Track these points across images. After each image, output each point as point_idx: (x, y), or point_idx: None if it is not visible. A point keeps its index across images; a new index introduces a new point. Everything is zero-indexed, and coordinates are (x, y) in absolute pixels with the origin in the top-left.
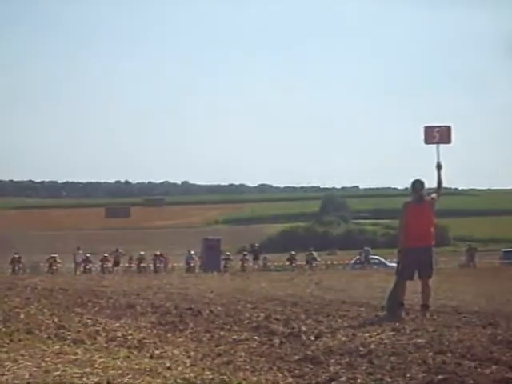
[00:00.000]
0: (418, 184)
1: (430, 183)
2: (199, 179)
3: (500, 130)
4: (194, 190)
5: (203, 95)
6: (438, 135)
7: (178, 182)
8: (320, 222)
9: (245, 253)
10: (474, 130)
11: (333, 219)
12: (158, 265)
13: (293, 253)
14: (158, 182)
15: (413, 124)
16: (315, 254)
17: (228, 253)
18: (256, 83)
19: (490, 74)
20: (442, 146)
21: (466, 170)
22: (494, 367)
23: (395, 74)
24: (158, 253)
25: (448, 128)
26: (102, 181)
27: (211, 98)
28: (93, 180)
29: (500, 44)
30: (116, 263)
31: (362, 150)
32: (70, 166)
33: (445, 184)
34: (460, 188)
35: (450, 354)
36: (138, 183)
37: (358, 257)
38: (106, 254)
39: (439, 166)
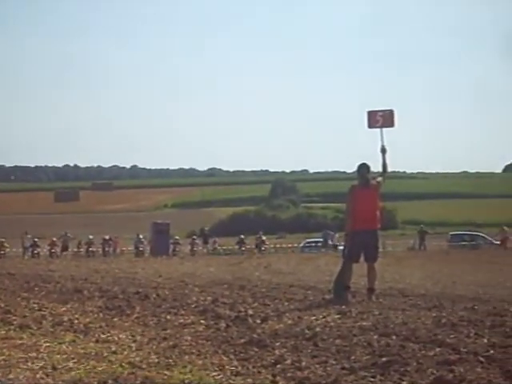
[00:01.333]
0: (363, 168)
1: (377, 167)
2: (148, 163)
3: (450, 115)
4: (143, 174)
5: (152, 79)
6: (381, 119)
7: (127, 166)
8: (269, 206)
9: (194, 237)
10: (424, 114)
11: (282, 203)
12: (106, 249)
13: (242, 236)
14: (106, 166)
15: (362, 108)
16: (264, 237)
17: (177, 237)
18: (204, 66)
19: (440, 54)
20: (386, 129)
21: (414, 153)
22: (437, 349)
23: (343, 57)
24: (107, 237)
25: (391, 112)
26: (51, 165)
27: (161, 82)
28: (41, 164)
29: (447, 23)
30: (64, 247)
31: (311, 133)
32: (18, 149)
33: (390, 168)
34: (408, 171)
35: (394, 337)
36: (86, 167)
37: (317, 239)
38: (54, 239)
39: (383, 150)
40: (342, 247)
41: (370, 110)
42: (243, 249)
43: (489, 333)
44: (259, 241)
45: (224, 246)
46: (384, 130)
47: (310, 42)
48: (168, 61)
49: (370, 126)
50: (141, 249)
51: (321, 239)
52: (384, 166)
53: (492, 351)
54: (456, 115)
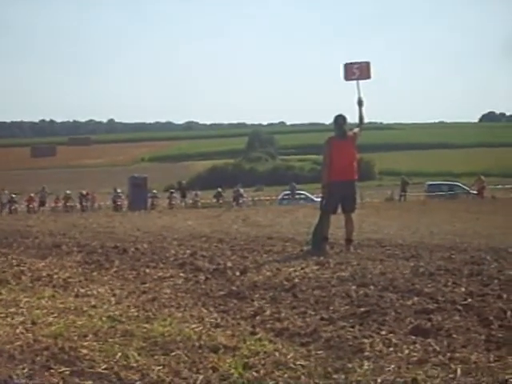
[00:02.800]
0: (340, 119)
1: (354, 118)
2: (125, 117)
3: (427, 67)
4: (120, 128)
5: (130, 34)
6: (357, 71)
7: (104, 120)
8: (247, 159)
9: (172, 190)
10: (401, 66)
11: (260, 155)
12: (84, 204)
13: (219, 190)
14: (83, 120)
15: (340, 59)
16: (242, 190)
17: (155, 191)
18: (184, 17)
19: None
20: (363, 81)
21: (390, 104)
22: (415, 298)
23: (323, 13)
24: (85, 192)
25: (367, 64)
26: (27, 120)
27: (136, 37)
28: (17, 119)
29: None
30: (42, 203)
31: (289, 85)
32: None
33: (367, 119)
34: (385, 122)
35: (372, 287)
36: (63, 122)
37: (287, 192)
38: (31, 194)
39: (360, 102)
40: (319, 199)
41: (347, 62)
42: (221, 202)
43: (466, 281)
44: (237, 194)
45: (202, 199)
46: (360, 82)
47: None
48: (146, 13)
49: (347, 78)
50: (119, 203)
51: (289, 192)
52: (361, 117)
53: (469, 300)
54: (433, 67)
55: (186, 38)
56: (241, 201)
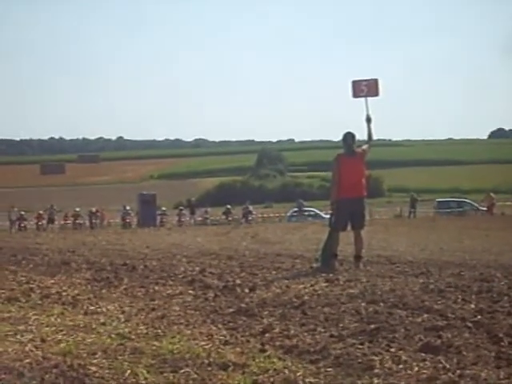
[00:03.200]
0: (349, 136)
1: (362, 135)
2: (134, 135)
3: (433, 83)
4: (129, 145)
5: (137, 50)
6: (365, 88)
7: (113, 137)
8: (256, 176)
9: (181, 207)
10: (410, 82)
11: (269, 172)
12: (93, 221)
13: (228, 207)
14: (92, 138)
15: (349, 77)
16: (251, 207)
17: (164, 208)
18: (191, 35)
19: (426, 26)
20: (371, 99)
21: (400, 121)
22: (425, 315)
23: (331, 30)
24: (94, 209)
25: (375, 81)
26: (36, 138)
27: (144, 53)
28: (27, 137)
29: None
30: (50, 220)
31: (298, 102)
32: (2, 123)
33: (375, 136)
34: (394, 139)
35: (382, 304)
36: (72, 140)
37: (295, 209)
38: (40, 212)
39: (369, 119)
40: (328, 216)
41: (355, 79)
42: (230, 219)
43: (476, 298)
44: (246, 211)
45: (211, 216)
46: (369, 99)
47: (297, 13)
48: (153, 29)
49: (355, 95)
50: (128, 220)
51: (296, 208)
52: (369, 134)
53: (479, 316)
54: (441, 84)
55: (194, 57)
56: (250, 218)
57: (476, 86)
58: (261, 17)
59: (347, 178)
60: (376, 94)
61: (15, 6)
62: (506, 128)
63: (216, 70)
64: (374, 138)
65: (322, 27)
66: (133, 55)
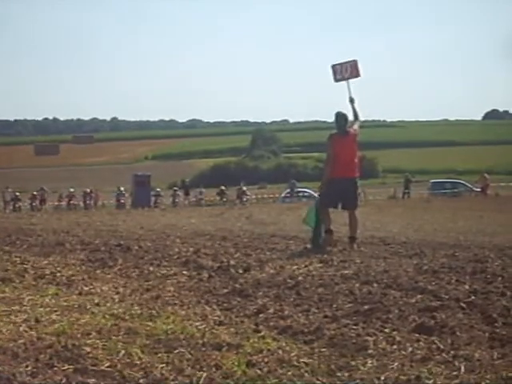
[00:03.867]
0: (341, 117)
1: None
2: (128, 116)
3: (428, 65)
4: (124, 126)
5: (134, 30)
6: (346, 71)
7: (107, 118)
8: (250, 157)
9: (175, 188)
10: (404, 64)
11: (263, 153)
12: (88, 202)
13: (223, 188)
14: (86, 118)
15: (344, 57)
16: (245, 188)
17: (158, 189)
18: (187, 20)
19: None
20: (354, 80)
21: (393, 102)
22: (419, 296)
23: (327, 13)
24: (88, 190)
25: (355, 62)
26: (30, 118)
27: (139, 36)
28: (21, 117)
29: None
30: (42, 201)
31: (292, 83)
32: None
33: (369, 117)
34: (388, 120)
35: (376, 285)
36: (66, 120)
37: (288, 190)
38: (34, 192)
39: (352, 100)
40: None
41: (334, 63)
42: (224, 200)
43: (470, 279)
44: (240, 191)
45: (205, 197)
46: (351, 80)
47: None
48: (149, 15)
49: (336, 79)
50: (122, 201)
51: (289, 189)
52: (355, 114)
53: (473, 297)
54: (436, 65)
55: (189, 38)
56: (244, 199)
57: (470, 68)
58: (256, 3)
59: (340, 157)
60: (357, 75)
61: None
62: (501, 109)
63: (211, 52)
64: (361, 118)
65: (316, 10)
66: (128, 38)
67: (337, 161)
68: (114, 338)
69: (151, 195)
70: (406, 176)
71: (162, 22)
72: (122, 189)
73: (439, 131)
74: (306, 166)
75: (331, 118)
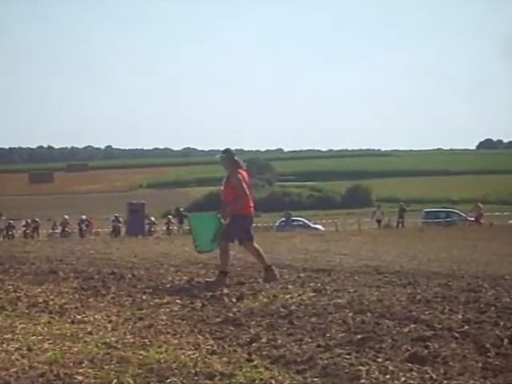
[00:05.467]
0: (231, 152)
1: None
2: (123, 144)
3: (422, 94)
4: (118, 154)
5: (127, 56)
6: None
7: (102, 146)
8: None
9: (169, 216)
10: (398, 93)
11: (257, 182)
12: (84, 229)
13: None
14: (81, 146)
15: (336, 85)
16: None
17: (152, 217)
18: (178, 45)
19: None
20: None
21: (389, 131)
22: (412, 326)
23: (317, 40)
24: (84, 217)
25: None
26: (25, 146)
27: (135, 59)
28: (15, 145)
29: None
30: (35, 229)
31: (287, 111)
32: None
33: (364, 146)
34: (383, 149)
35: (369, 314)
36: (60, 148)
37: (283, 219)
38: (28, 220)
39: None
40: (318, 226)
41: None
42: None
43: (463, 309)
44: None
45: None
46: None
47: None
48: (145, 37)
49: None
50: (117, 229)
51: (284, 218)
52: None
53: (466, 327)
54: (430, 94)
55: (182, 67)
56: None
57: (464, 97)
58: (242, 22)
59: (248, 193)
60: None
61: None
62: (494, 139)
63: (204, 80)
64: (364, 148)
65: (308, 36)
66: (121, 64)
67: (248, 197)
68: (106, 367)
69: (145, 223)
70: (401, 205)
71: (153, 46)
72: (117, 215)
73: (433, 160)
74: (301, 195)
75: (325, 147)
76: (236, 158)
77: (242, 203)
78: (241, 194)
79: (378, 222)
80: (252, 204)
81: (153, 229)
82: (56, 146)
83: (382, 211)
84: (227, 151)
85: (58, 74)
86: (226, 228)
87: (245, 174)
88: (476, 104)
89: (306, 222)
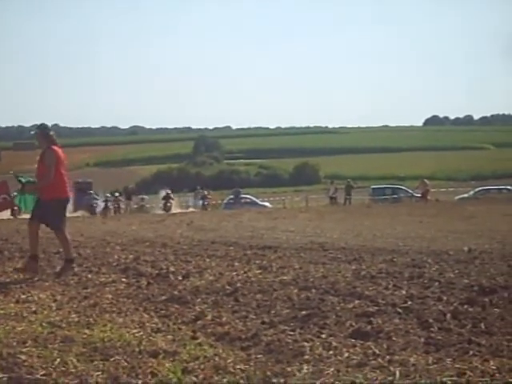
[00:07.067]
0: (48, 128)
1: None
2: (70, 122)
3: (368, 71)
4: (65, 132)
5: (72, 35)
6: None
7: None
8: (193, 163)
9: (116, 194)
10: (346, 71)
11: (205, 160)
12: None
13: (168, 192)
14: (27, 125)
15: (285, 62)
16: (206, 192)
17: (108, 194)
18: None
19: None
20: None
21: (335, 108)
22: (356, 302)
23: (267, 18)
24: None
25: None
26: None
27: (79, 38)
28: None
29: None
30: None
31: (235, 89)
32: None
33: (313, 123)
34: (330, 126)
35: (314, 290)
36: (7, 127)
37: (231, 196)
38: None
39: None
40: (265, 203)
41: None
42: (169, 204)
43: (407, 284)
44: (202, 195)
45: (147, 204)
46: None
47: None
48: (86, 14)
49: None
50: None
51: (232, 196)
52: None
53: (410, 302)
54: (377, 71)
55: (130, 44)
56: (206, 202)
57: (411, 74)
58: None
59: (64, 174)
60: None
61: None
62: (441, 115)
63: (153, 57)
64: (311, 125)
65: (262, 14)
66: (68, 40)
67: (64, 178)
68: (50, 346)
69: (93, 202)
70: (348, 182)
71: (102, 26)
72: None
73: (380, 137)
74: (249, 173)
75: (273, 125)
76: (51, 133)
77: (46, 182)
78: (48, 173)
79: (332, 198)
80: (66, 184)
81: (111, 206)
82: (2, 125)
83: (335, 188)
84: (41, 126)
85: (4, 52)
86: (40, 211)
87: (59, 151)
88: (423, 81)
89: (254, 199)
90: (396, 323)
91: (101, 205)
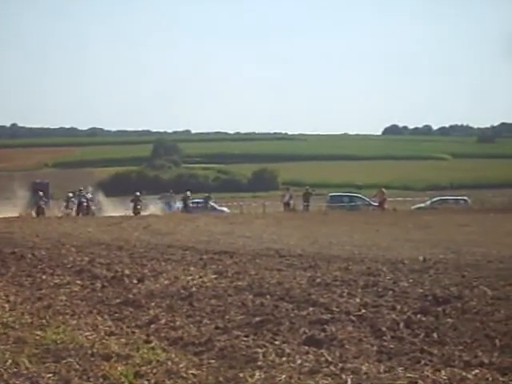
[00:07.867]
0: None
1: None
2: (28, 122)
3: (329, 79)
4: (23, 133)
5: (36, 33)
6: None
7: (7, 124)
8: (151, 166)
9: (70, 195)
10: (306, 77)
11: (164, 163)
12: None
13: (138, 194)
14: None
15: (250, 66)
16: (188, 193)
17: (89, 194)
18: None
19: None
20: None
21: (294, 115)
22: (310, 309)
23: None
24: None
25: None
26: None
27: (41, 37)
28: None
29: None
30: None
31: (194, 93)
32: None
33: (272, 129)
34: (289, 133)
35: (268, 297)
36: None
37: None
38: None
39: None
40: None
41: None
42: (138, 207)
43: (361, 292)
44: (185, 196)
45: (104, 206)
46: None
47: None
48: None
49: None
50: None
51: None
52: None
53: (363, 310)
54: (336, 79)
55: (89, 43)
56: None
57: (372, 83)
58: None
59: None
60: None
61: None
62: (400, 125)
63: (113, 58)
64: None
65: (223, 15)
66: (32, 38)
67: None
68: (2, 347)
69: (43, 202)
70: (306, 189)
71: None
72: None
73: (339, 145)
74: (207, 177)
75: (233, 130)
76: None
77: None
78: None
79: (287, 205)
80: None
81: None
82: None
83: (290, 194)
84: None
85: None
86: None
87: None
88: (383, 90)
89: (213, 204)
90: (349, 331)
91: (75, 202)
